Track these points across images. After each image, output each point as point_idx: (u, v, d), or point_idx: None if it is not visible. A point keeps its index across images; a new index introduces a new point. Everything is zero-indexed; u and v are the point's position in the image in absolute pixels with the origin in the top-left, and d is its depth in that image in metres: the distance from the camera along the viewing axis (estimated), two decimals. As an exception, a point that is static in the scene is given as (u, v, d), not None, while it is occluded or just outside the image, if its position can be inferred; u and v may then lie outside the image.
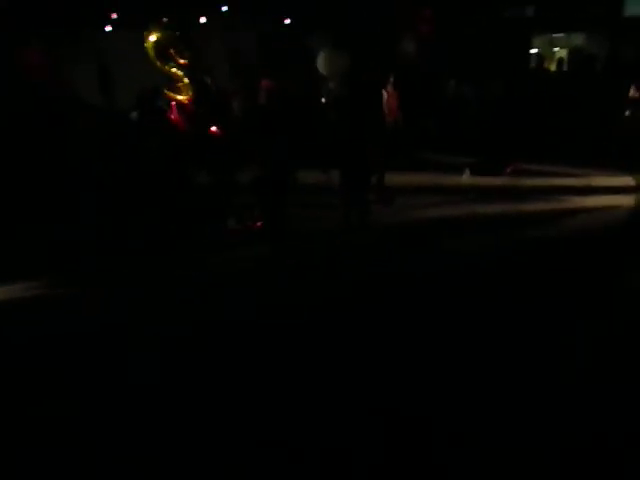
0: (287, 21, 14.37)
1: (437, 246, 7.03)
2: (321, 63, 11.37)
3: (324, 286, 5.87)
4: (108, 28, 15.08)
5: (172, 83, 8.33)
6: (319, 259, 6.70)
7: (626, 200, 8.70)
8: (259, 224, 7.60)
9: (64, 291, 5.82)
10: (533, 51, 13.97)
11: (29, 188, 7.22)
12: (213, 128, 7.83)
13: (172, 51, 8.19)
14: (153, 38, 8.10)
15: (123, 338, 4.81)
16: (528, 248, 6.81)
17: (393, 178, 9.00)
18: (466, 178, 10.31)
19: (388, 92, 9.55)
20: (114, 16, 15.59)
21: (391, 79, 9.63)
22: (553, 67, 13.15)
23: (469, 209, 8.40)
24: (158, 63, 8.09)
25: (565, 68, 12.78)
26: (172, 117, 8.12)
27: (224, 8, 14.94)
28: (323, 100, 9.78)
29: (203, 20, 13.90)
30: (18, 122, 8.08)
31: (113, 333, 4.88)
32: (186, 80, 8.00)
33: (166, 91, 8.10)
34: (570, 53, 13.03)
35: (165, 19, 8.93)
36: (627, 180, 9.75)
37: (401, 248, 7.06)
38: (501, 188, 9.55)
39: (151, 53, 8.15)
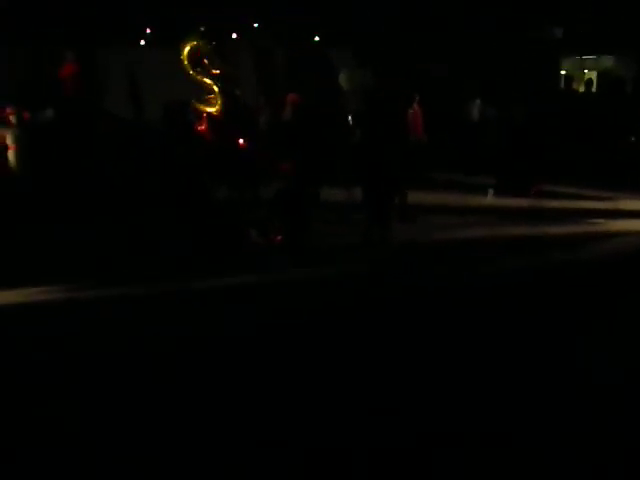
0: (317, 38, 14.55)
1: (457, 265, 6.98)
2: (344, 79, 11.45)
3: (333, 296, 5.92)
4: (142, 42, 15.44)
5: (202, 95, 8.46)
6: (334, 272, 6.74)
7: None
8: (280, 238, 7.65)
9: (84, 295, 5.92)
10: (562, 72, 13.96)
11: (50, 192, 7.39)
12: (240, 140, 7.93)
13: (206, 61, 8.33)
14: (188, 48, 8.26)
15: (131, 341, 4.91)
16: (553, 271, 6.70)
17: (415, 197, 8.98)
18: (490, 198, 10.26)
19: (414, 110, 9.59)
20: (148, 31, 15.97)
21: (417, 97, 9.67)
22: (582, 88, 13.09)
23: (492, 230, 8.30)
24: (191, 71, 8.24)
25: (594, 90, 12.70)
26: (201, 128, 8.21)
27: (255, 24, 15.20)
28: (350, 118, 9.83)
29: (234, 35, 14.14)
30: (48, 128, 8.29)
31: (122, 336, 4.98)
32: (216, 88, 8.12)
33: (195, 103, 8.23)
34: (599, 75, 12.98)
35: (202, 28, 9.10)
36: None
37: (418, 266, 7.03)
38: (525, 210, 9.43)
39: (185, 61, 8.30)
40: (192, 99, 8.10)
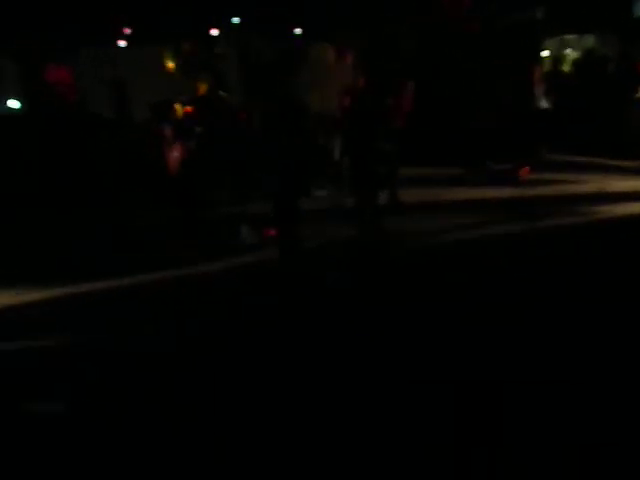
0: (298, 31, 14.46)
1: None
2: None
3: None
4: (122, 43, 15.29)
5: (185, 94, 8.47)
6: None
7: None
8: (272, 232, 7.68)
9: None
10: (545, 53, 13.93)
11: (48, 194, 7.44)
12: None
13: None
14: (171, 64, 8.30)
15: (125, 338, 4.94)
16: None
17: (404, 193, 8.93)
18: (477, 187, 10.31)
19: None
20: (127, 31, 15.81)
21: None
22: (567, 69, 13.13)
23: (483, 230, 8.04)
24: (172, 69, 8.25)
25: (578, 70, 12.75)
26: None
27: (236, 20, 15.10)
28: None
29: (215, 32, 14.03)
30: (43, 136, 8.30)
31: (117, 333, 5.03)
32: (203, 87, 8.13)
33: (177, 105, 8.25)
34: (582, 54, 13.02)
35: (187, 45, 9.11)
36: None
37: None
38: (513, 200, 9.15)
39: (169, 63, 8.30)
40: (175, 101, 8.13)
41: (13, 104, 10.57)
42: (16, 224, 6.98)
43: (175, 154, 7.78)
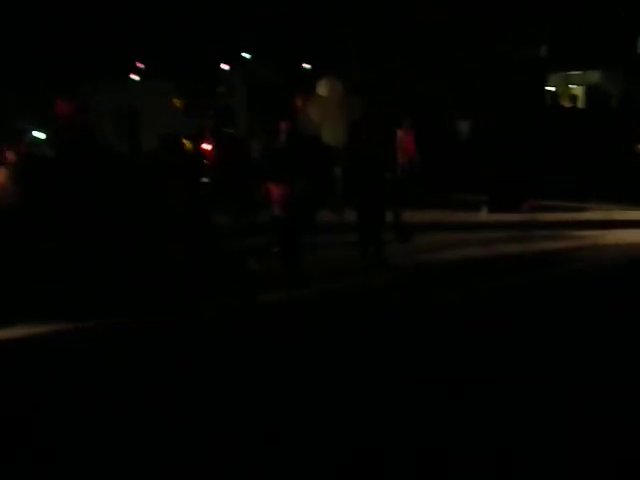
0: (307, 66, 14.77)
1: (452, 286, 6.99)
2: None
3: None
4: (135, 77, 15.67)
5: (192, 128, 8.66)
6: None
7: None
8: (279, 264, 7.73)
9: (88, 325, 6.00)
10: (550, 89, 14.11)
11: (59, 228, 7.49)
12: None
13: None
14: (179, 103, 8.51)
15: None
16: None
17: (410, 215, 9.16)
18: (484, 214, 10.42)
19: (404, 131, 9.76)
20: (140, 66, 16.23)
21: (407, 120, 9.86)
22: (567, 104, 13.29)
23: (488, 248, 8.34)
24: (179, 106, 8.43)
25: (579, 105, 12.90)
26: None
27: (247, 55, 15.47)
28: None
29: (226, 67, 14.37)
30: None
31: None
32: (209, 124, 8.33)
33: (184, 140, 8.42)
34: (587, 90, 13.17)
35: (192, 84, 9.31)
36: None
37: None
38: (519, 224, 9.61)
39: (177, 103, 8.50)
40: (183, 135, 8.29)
41: (39, 135, 10.89)
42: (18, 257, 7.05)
43: (183, 185, 7.87)
